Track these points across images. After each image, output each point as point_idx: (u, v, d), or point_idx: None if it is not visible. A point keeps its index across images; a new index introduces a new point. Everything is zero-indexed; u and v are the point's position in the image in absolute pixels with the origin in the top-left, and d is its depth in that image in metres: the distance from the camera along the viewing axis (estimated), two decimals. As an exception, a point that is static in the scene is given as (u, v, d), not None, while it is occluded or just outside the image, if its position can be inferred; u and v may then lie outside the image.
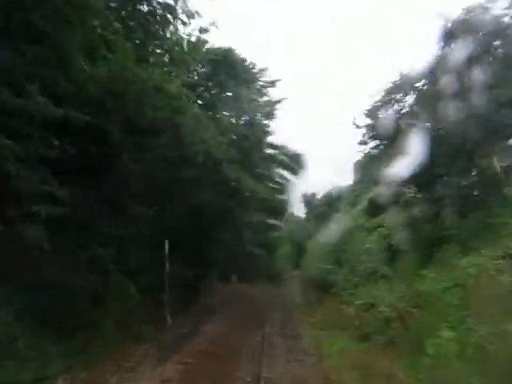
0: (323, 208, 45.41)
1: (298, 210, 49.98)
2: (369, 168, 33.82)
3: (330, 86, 75.85)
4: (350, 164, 35.17)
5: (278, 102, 21.96)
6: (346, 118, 70.83)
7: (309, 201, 49.34)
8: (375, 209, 25.47)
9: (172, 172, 13.09)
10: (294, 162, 24.00)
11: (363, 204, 27.21)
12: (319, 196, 48.88)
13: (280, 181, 24.92)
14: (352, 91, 68.96)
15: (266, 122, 22.27)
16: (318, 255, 28.20)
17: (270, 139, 22.96)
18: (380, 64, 68.80)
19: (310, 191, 49.76)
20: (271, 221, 39.28)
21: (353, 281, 14.50)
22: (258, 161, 21.11)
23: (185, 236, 17.72)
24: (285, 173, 24.54)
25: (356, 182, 36.34)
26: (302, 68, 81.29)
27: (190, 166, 13.67)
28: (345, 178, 43.68)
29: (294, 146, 26.96)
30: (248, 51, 45.08)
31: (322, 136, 69.00)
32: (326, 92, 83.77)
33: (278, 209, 25.54)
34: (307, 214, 50.27)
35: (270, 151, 23.60)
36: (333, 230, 31.08)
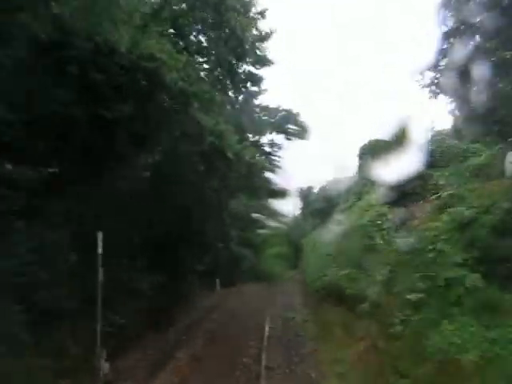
0: (321, 203, 39.53)
1: (294, 205, 44.00)
2: (377, 152, 28.27)
3: (330, 86, 71.39)
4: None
5: (269, 35, 14.86)
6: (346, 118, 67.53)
7: (305, 195, 43.32)
8: (401, 195, 19.66)
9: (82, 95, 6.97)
10: (294, 128, 17.56)
11: (380, 192, 21.40)
12: (316, 190, 42.92)
13: (276, 155, 18.61)
14: (352, 91, 65.65)
15: (256, 72, 16.02)
16: (322, 255, 22.22)
17: (262, 100, 16.92)
18: (380, 64, 65.69)
19: (306, 185, 43.79)
20: (260, 216, 33.30)
21: (404, 297, 8.47)
22: (248, 124, 15.08)
23: (143, 227, 11.66)
24: (282, 140, 18.17)
25: (362, 169, 30.57)
26: (302, 68, 76.39)
27: (117, 85, 7.46)
28: (345, 173, 38.07)
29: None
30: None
31: (321, 136, 64.87)
32: (326, 92, 79.32)
33: (274, 192, 19.14)
34: (303, 209, 44.26)
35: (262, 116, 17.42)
36: (339, 225, 25.17)
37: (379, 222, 16.57)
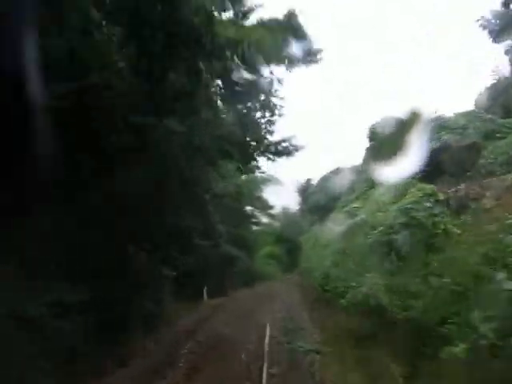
0: (321, 196, 33.83)
1: (290, 199, 38.18)
2: (393, 129, 22.87)
3: (330, 86, 66.72)
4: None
5: None
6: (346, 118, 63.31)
7: (303, 190, 37.55)
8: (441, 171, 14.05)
9: None
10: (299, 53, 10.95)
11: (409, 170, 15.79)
12: (315, 182, 37.18)
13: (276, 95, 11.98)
14: (352, 91, 61.53)
15: None
16: (333, 254, 16.48)
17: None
18: (380, 64, 61.80)
19: (304, 179, 38.00)
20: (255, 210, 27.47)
21: None
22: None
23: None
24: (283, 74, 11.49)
25: (373, 151, 24.96)
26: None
27: None
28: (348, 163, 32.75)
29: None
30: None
31: (322, 136, 60.09)
32: (326, 92, 74.54)
33: (276, 150, 12.57)
34: (301, 204, 38.47)
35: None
36: (351, 217, 19.43)
37: (428, 205, 10.88)
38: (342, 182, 32.20)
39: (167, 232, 11.11)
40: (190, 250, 15.82)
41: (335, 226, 22.20)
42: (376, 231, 11.66)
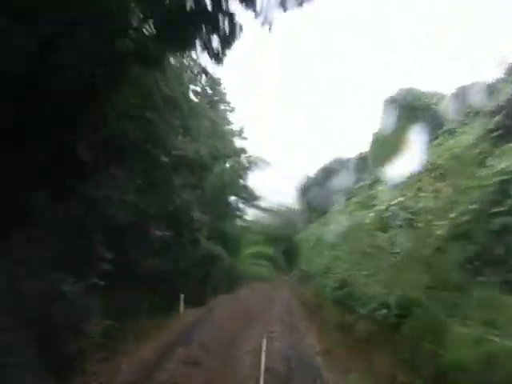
0: (321, 189, 28.80)
1: (285, 192, 33.05)
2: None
3: (329, 87, 63.40)
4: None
5: None
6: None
7: (300, 183, 32.52)
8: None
9: None
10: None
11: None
12: (312, 174, 32.15)
13: None
14: (352, 91, 58.56)
15: None
16: (360, 257, 11.26)
17: None
18: (380, 64, 59.05)
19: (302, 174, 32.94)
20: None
21: None
22: None
23: None
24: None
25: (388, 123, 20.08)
26: (302, 69, 67.44)
27: None
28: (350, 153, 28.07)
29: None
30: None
31: (322, 138, 56.65)
32: (326, 92, 71.02)
33: None
34: (297, 198, 33.39)
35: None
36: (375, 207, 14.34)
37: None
38: (346, 172, 27.38)
39: (85, 208, 5.86)
40: (148, 246, 10.57)
41: (345, 219, 17.20)
42: (456, 215, 6.54)
